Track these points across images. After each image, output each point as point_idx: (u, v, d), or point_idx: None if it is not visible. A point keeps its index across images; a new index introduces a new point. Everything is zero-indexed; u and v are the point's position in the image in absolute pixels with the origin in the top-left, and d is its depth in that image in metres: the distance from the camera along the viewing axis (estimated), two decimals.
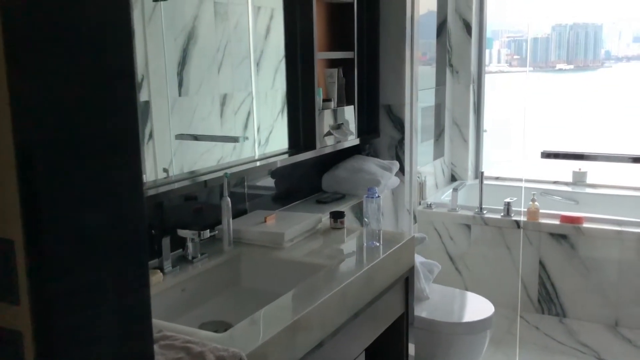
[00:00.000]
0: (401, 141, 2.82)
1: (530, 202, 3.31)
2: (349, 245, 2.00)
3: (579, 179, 3.93)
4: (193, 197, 2.01)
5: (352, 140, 2.64)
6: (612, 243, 3.05)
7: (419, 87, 3.39)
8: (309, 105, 2.41)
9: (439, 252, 3.52)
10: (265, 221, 2.07)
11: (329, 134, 2.49)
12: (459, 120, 4.12)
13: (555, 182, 3.98)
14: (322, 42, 2.56)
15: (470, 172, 4.20)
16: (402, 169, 2.80)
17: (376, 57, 2.79)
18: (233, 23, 2.12)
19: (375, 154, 2.85)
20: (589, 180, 3.91)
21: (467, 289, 3.46)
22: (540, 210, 3.29)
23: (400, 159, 2.81)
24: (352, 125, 2.64)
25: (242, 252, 1.93)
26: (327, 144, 2.49)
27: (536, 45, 4.59)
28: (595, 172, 3.97)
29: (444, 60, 4.01)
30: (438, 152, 4.03)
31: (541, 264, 3.26)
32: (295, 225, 2.01)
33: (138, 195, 0.72)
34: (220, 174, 1.97)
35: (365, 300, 1.77)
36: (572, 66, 4.56)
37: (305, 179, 2.60)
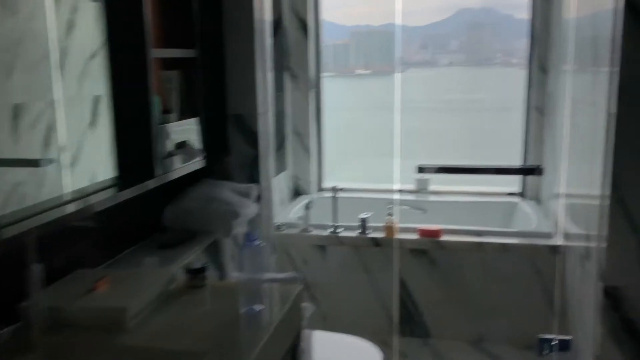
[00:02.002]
0: (256, 159, 2.34)
1: (387, 217, 3.06)
2: (220, 313, 1.46)
3: (423, 186, 3.81)
4: None
5: (199, 161, 2.09)
6: (472, 255, 2.92)
7: None
8: (144, 119, 1.82)
9: None
10: (94, 288, 1.45)
11: (170, 155, 1.92)
12: (301, 128, 3.76)
13: (399, 191, 3.82)
14: (156, 37, 1.97)
15: (314, 185, 3.87)
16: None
17: (222, 57, 2.27)
18: (25, 17, 1.50)
19: (226, 177, 2.33)
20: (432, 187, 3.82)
21: (324, 318, 3.11)
22: (398, 225, 3.05)
23: (255, 180, 2.33)
24: (198, 142, 2.09)
25: (64, 342, 1.29)
26: (170, 168, 1.91)
27: (336, 51, 4.66)
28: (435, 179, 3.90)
29: (282, 63, 3.61)
30: (281, 165, 3.62)
31: (402, 283, 3.02)
32: (139, 292, 1.43)
33: None
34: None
35: None
36: (369, 71, 4.68)
37: (140, 214, 1.99)
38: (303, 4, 3.61)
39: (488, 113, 4.91)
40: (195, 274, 1.55)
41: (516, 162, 3.70)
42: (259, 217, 2.33)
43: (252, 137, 2.32)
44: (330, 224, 3.13)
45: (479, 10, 4.39)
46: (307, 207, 3.19)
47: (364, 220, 3.07)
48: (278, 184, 3.52)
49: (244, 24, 2.26)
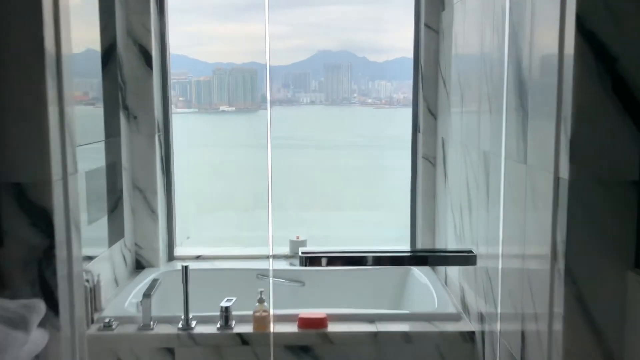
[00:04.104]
0: (50, 251, 1.47)
1: (257, 304, 2.30)
2: None
3: (298, 249, 3.12)
4: None
5: None
6: (367, 349, 2.24)
7: (77, 141, 2.10)
8: None
9: None
10: None
11: None
12: (143, 183, 2.90)
13: (273, 257, 3.09)
14: None
15: (163, 254, 3.01)
16: (53, 307, 1.45)
17: None
18: None
19: None
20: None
21: None
22: (272, 312, 2.30)
23: (49, 286, 1.46)
24: None
25: None
26: None
27: (199, 88, 4.67)
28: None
29: (116, 101, 2.76)
30: (115, 233, 2.72)
31: None
32: None
33: None
34: None
35: None
36: (233, 108, 4.72)
37: None
38: (143, 29, 2.81)
39: (360, 151, 4.86)
40: None
41: (402, 215, 3.16)
42: (55, 345, 1.45)
43: (42, 217, 1.46)
44: (181, 315, 2.30)
45: (336, 52, 4.60)
46: (149, 291, 2.33)
47: (226, 310, 2.28)
48: (111, 257, 2.63)
49: (22, 48, 1.43)
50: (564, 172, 1.38)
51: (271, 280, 2.47)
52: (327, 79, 4.66)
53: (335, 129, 5.01)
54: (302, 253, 1.54)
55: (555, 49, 1.39)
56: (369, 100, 4.47)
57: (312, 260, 1.55)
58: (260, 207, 4.26)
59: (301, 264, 1.54)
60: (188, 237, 3.43)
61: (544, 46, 1.50)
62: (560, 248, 1.40)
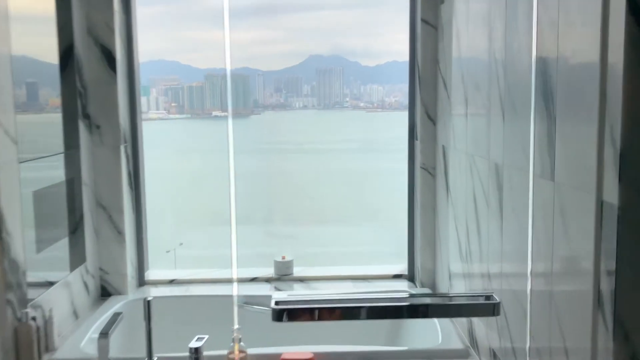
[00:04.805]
0: None
1: (232, 343, 1.95)
2: None
3: (284, 271, 2.79)
4: None
5: None
6: None
7: (22, 156, 1.78)
8: None
9: None
10: None
11: None
12: (108, 200, 2.55)
13: (253, 280, 2.76)
14: None
15: (132, 279, 2.66)
16: None
17: None
18: None
19: None
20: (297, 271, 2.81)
21: None
22: (249, 352, 1.96)
23: None
24: None
25: None
26: None
27: (191, 94, 4.61)
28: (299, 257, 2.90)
29: (75, 108, 2.42)
30: (76, 257, 2.37)
31: None
32: None
33: None
34: None
35: None
36: (225, 113, 4.68)
37: None
38: (106, 28, 2.47)
39: (354, 155, 4.73)
40: None
41: (399, 226, 2.84)
42: None
43: None
44: (145, 357, 1.96)
45: (328, 57, 4.64)
46: (107, 329, 1.98)
47: (196, 351, 1.94)
48: (69, 286, 2.29)
49: None
50: (611, 195, 1.05)
51: (235, 310, 2.13)
52: (319, 83, 4.59)
53: (328, 133, 4.96)
54: (276, 304, 1.18)
55: (596, 34, 1.06)
56: (361, 104, 4.55)
57: (288, 314, 1.18)
58: (248, 221, 3.93)
59: (274, 319, 1.18)
60: (181, 243, 3.15)
61: (580, 31, 1.17)
62: (607, 289, 1.07)
